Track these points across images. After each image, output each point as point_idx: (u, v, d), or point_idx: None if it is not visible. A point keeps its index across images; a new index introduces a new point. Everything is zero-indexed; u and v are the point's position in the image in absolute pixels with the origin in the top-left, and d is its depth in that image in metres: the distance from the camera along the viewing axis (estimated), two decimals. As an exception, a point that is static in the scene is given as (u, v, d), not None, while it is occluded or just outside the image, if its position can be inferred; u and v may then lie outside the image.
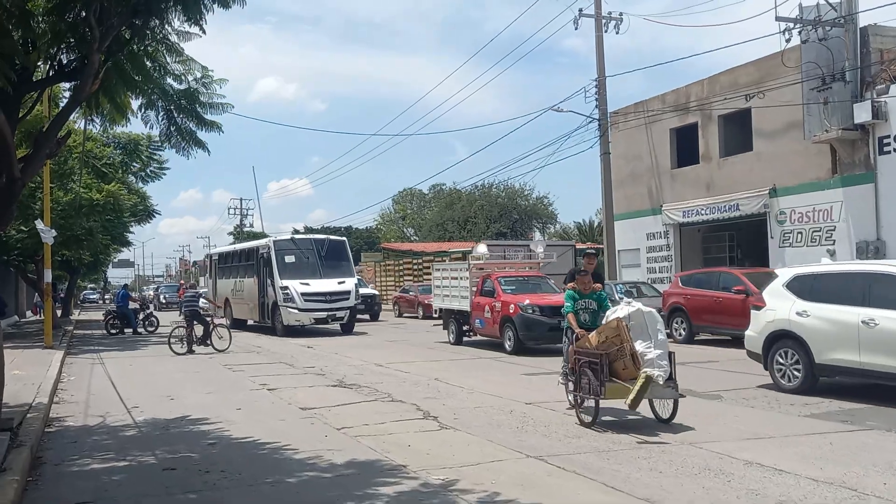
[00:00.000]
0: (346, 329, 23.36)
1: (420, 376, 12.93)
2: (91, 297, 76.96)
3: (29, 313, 40.09)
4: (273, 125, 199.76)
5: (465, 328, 18.44)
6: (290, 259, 23.21)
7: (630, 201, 24.82)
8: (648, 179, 24.24)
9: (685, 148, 22.99)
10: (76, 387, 12.48)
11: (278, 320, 22.99)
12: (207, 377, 13.51)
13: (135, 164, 24.43)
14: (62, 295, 40.45)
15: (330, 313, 22.77)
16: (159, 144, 24.10)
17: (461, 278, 18.47)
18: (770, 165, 19.81)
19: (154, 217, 28.01)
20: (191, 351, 17.96)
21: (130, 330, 25.42)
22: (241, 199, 77.23)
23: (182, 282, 24.39)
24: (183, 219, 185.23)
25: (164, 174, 25.25)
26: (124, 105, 8.15)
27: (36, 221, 18.51)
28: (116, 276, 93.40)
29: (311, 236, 25.50)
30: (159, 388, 12.00)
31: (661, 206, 23.55)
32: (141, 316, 26.31)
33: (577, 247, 40.97)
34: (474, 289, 17.69)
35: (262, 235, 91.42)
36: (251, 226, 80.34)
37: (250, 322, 26.37)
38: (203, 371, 14.44)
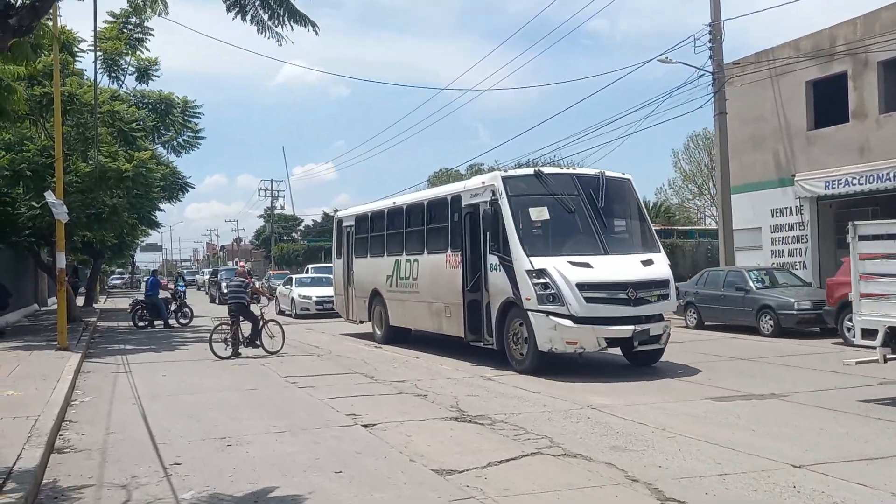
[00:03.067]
0: (650, 358, 12.09)
1: (560, 400, 9.24)
2: (115, 282, 73.94)
3: (52, 300, 36.94)
4: (294, 111, 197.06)
5: None
6: (538, 215, 11.89)
7: (748, 171, 20.83)
8: (775, 144, 20.22)
9: (827, 104, 18.94)
10: (91, 416, 8.93)
11: (515, 339, 11.80)
12: (269, 399, 9.91)
13: (165, 131, 20.86)
14: (87, 280, 37.28)
15: (640, 327, 11.14)
16: (195, 105, 20.63)
17: None
18: (957, 121, 15.77)
19: (187, 192, 24.44)
20: (236, 354, 14.46)
21: (161, 322, 22.03)
22: (271, 181, 74.40)
23: (242, 264, 18.13)
24: (209, 203, 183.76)
25: (200, 144, 21.62)
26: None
27: (46, 193, 15.00)
28: (144, 260, 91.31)
29: (571, 171, 12.86)
30: (207, 421, 8.41)
31: (793, 175, 19.56)
32: (173, 306, 22.88)
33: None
34: None
35: (292, 219, 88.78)
36: (282, 208, 77.31)
37: (417, 329, 15.59)
38: (261, 388, 10.85)
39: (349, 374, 12.06)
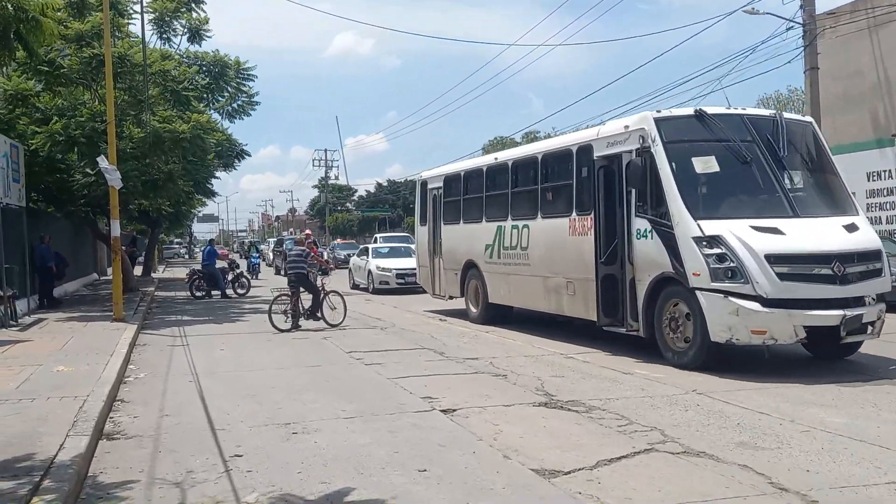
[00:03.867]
0: (846, 351, 9.54)
1: (658, 383, 8.18)
2: (178, 251, 74.99)
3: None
4: (346, 82, 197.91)
5: None
6: (705, 166, 9.49)
7: (841, 131, 19.16)
8: (872, 101, 18.54)
9: (936, 55, 17.20)
10: (144, 395, 8.23)
11: (673, 325, 9.36)
12: (335, 378, 9.08)
13: (219, 96, 20.15)
14: (144, 250, 37.32)
15: (850, 313, 8.61)
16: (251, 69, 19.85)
17: None
18: None
19: (243, 159, 23.83)
20: (296, 326, 13.76)
21: (218, 293, 21.57)
22: (325, 150, 74.13)
23: (307, 232, 16.76)
24: (264, 175, 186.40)
25: (255, 108, 20.85)
26: None
27: (98, 159, 14.42)
28: (201, 230, 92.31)
29: (740, 111, 10.05)
30: (269, 403, 7.61)
31: (894, 135, 17.88)
32: (230, 276, 22.41)
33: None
34: None
35: (346, 189, 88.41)
36: (336, 178, 76.99)
37: (525, 308, 13.22)
38: (325, 364, 10.05)
39: (417, 350, 11.20)
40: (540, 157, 12.44)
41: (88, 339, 11.68)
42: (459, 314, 15.16)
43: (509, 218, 13.04)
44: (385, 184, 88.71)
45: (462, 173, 15.20)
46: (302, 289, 14.05)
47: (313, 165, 73.44)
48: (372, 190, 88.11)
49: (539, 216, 12.19)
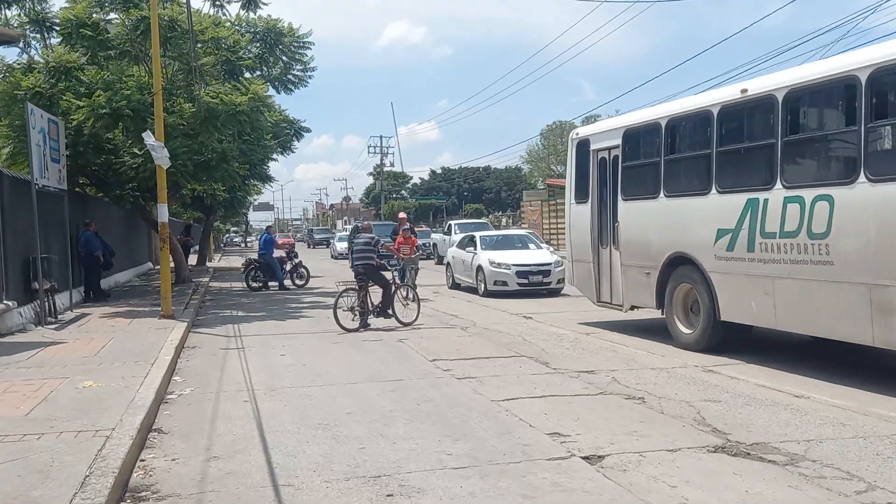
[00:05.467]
0: None
1: (856, 413, 6.08)
2: (235, 240, 74.80)
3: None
4: (397, 71, 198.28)
5: None
6: None
7: None
8: None
9: None
10: (189, 422, 6.45)
11: None
12: (425, 399, 7.15)
13: (272, 68, 18.50)
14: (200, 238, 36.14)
15: None
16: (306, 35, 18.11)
17: None
18: None
19: (301, 137, 22.26)
20: (365, 325, 11.99)
21: (276, 284, 19.98)
22: (381, 137, 72.71)
23: (402, 215, 14.71)
24: (317, 164, 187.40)
25: (310, 77, 19.14)
26: None
27: (144, 134, 12.82)
28: (257, 219, 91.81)
29: None
30: (348, 441, 5.74)
31: None
32: (288, 266, 20.80)
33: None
34: None
35: (400, 176, 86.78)
36: (391, 165, 75.55)
37: (803, 333, 8.68)
38: (408, 379, 8.15)
39: (514, 359, 9.25)
40: (864, 79, 7.15)
41: (130, 341, 10.04)
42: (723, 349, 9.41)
43: (777, 184, 8.23)
44: (439, 171, 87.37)
45: (663, 122, 10.21)
46: (371, 282, 12.25)
47: (368, 152, 72.17)
48: (426, 178, 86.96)
49: (861, 179, 7.23)
